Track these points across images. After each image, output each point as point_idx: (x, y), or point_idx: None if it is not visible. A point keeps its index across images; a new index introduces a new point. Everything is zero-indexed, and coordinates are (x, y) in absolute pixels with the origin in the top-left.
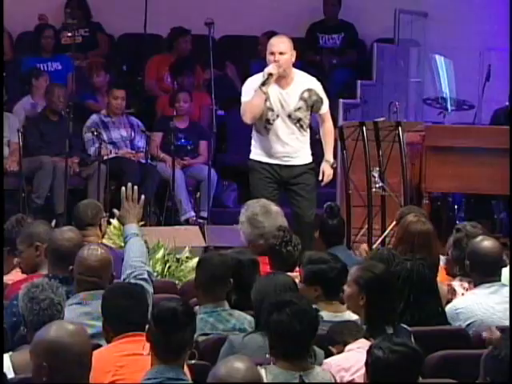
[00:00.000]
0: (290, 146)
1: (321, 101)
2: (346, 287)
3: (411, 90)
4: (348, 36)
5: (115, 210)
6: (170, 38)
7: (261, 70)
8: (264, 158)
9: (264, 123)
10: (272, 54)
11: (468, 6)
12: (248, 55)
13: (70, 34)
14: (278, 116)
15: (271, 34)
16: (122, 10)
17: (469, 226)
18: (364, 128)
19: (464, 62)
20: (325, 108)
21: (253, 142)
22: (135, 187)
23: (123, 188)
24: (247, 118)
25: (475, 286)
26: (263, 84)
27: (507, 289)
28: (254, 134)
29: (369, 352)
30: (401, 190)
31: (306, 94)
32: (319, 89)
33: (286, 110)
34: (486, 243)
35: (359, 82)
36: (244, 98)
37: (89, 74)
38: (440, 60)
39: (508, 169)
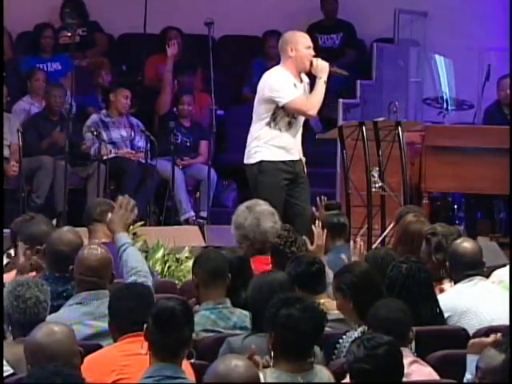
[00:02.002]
0: (299, 139)
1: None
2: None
3: (411, 89)
4: (346, 35)
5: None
6: (161, 40)
7: (262, 69)
8: (279, 155)
9: (290, 118)
10: (310, 47)
11: (468, 6)
12: (248, 55)
13: (69, 34)
14: None
15: (276, 33)
16: (121, 9)
17: (439, 227)
18: (364, 128)
19: (464, 61)
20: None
21: (262, 143)
22: (132, 200)
23: (120, 197)
24: (315, 111)
25: (455, 283)
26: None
27: (486, 282)
28: (267, 133)
29: (351, 368)
30: (400, 190)
31: (307, 86)
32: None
33: None
34: (466, 244)
35: (359, 81)
36: (290, 96)
37: (96, 74)
38: (440, 60)
39: (508, 169)
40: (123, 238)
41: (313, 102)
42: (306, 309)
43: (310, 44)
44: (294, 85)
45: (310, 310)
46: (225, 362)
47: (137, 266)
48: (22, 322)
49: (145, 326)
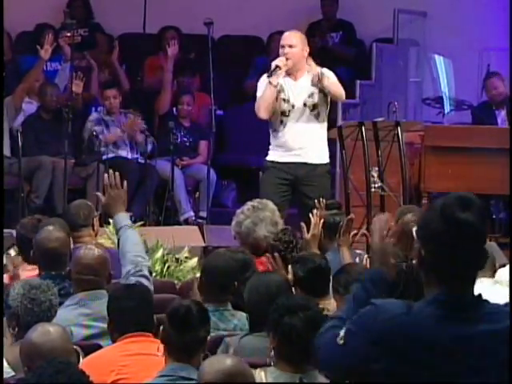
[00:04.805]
0: (307, 138)
1: (322, 72)
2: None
3: (410, 89)
4: (346, 34)
5: (98, 194)
6: (159, 40)
7: (265, 66)
8: (280, 156)
9: (280, 116)
10: (282, 47)
11: (468, 6)
12: (248, 55)
13: (69, 34)
14: (293, 106)
15: (279, 33)
16: (121, 9)
17: None
18: (363, 128)
19: (464, 62)
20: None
21: (270, 145)
22: (117, 173)
23: (105, 175)
24: (261, 112)
25: None
26: (270, 76)
27: (489, 281)
28: (270, 135)
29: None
30: (400, 190)
31: (314, 78)
32: (324, 69)
33: (300, 99)
34: None
35: (358, 81)
36: (258, 94)
37: (110, 72)
38: (439, 60)
39: (508, 169)
40: (120, 220)
41: (256, 104)
42: (309, 318)
43: (283, 42)
44: (270, 81)
45: (313, 320)
46: (210, 360)
47: (132, 252)
48: (32, 324)
49: (161, 327)
